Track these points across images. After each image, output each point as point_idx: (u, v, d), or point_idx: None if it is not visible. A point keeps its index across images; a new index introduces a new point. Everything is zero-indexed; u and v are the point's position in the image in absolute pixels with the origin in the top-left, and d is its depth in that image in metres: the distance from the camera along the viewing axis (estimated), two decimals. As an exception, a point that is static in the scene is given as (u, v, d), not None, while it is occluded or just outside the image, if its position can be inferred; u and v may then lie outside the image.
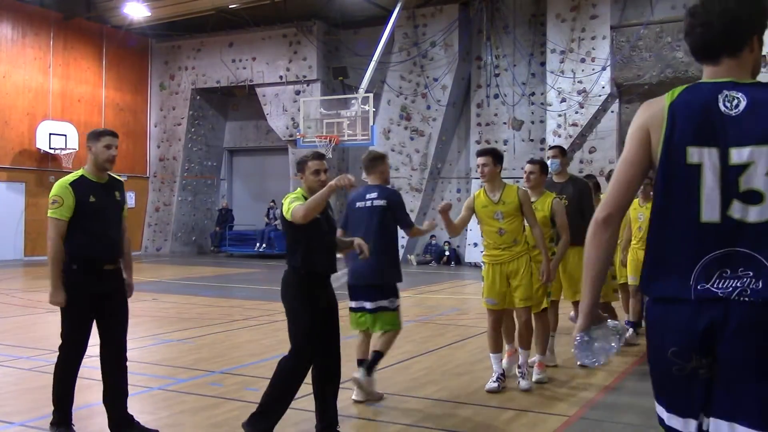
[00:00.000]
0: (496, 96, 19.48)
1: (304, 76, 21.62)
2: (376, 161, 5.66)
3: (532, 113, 19.13)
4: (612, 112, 17.92)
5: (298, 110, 20.16)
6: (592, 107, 17.80)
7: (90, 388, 5.18)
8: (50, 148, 20.21)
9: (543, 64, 18.73)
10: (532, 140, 19.04)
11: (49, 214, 4.36)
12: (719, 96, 2.06)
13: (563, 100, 18.09)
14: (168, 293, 12.17)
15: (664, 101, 2.12)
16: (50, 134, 20.23)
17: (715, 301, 2.03)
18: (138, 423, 4.52)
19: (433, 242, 20.62)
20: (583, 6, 17.98)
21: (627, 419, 5.09)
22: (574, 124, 17.97)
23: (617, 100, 17.94)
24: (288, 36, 21.86)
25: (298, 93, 21.58)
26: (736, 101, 2.05)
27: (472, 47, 20.07)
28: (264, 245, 21.87)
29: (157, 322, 9.09)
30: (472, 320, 9.64)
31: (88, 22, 21.80)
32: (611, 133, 17.86)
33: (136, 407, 4.75)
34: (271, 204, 22.40)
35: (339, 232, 5.14)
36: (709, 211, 2.04)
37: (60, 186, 4.38)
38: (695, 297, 2.06)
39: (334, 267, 4.57)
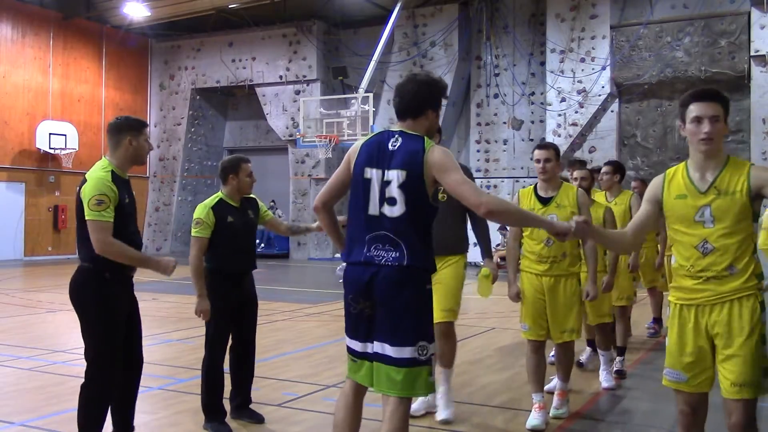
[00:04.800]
0: (495, 96, 19.49)
1: (304, 76, 21.62)
2: None
3: (532, 113, 19.14)
4: (612, 111, 17.93)
5: (298, 110, 20.16)
6: (592, 107, 17.81)
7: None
8: (50, 148, 20.22)
9: (543, 63, 18.74)
10: (531, 140, 19.04)
11: (91, 217, 3.76)
12: (392, 139, 3.25)
13: (563, 100, 18.10)
14: (168, 293, 12.17)
15: (360, 142, 3.36)
16: (50, 134, 20.23)
17: (372, 265, 3.17)
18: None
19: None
20: (582, 6, 17.98)
21: (626, 419, 5.09)
22: (574, 124, 17.98)
23: (617, 100, 17.95)
24: (288, 36, 21.86)
25: (298, 93, 21.59)
26: (398, 142, 3.24)
27: (472, 47, 20.08)
28: (263, 244, 21.87)
29: (157, 322, 9.08)
30: (472, 320, 9.64)
31: (87, 22, 21.81)
32: (611, 132, 17.87)
33: (136, 407, 4.74)
34: (272, 203, 22.40)
35: None
36: (372, 208, 3.20)
37: (102, 182, 3.80)
38: (363, 260, 3.19)
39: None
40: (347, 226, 3.35)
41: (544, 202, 4.84)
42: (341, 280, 3.45)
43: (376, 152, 3.25)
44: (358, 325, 3.24)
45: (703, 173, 3.16)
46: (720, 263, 3.07)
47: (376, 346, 3.18)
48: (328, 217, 3.53)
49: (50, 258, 20.44)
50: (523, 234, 4.98)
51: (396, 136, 3.25)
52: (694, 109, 3.14)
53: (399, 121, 3.33)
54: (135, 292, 4.14)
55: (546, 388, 5.21)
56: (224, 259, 4.72)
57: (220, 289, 4.68)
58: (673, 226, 3.23)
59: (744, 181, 3.08)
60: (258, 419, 4.86)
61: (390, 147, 3.22)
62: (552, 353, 6.08)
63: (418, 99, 3.28)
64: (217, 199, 4.78)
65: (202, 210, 4.71)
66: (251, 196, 4.97)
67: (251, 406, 4.95)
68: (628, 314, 6.68)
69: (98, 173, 3.83)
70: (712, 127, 3.10)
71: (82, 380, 3.88)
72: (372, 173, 3.21)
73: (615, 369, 6.24)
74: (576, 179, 5.96)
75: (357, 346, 3.26)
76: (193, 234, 4.70)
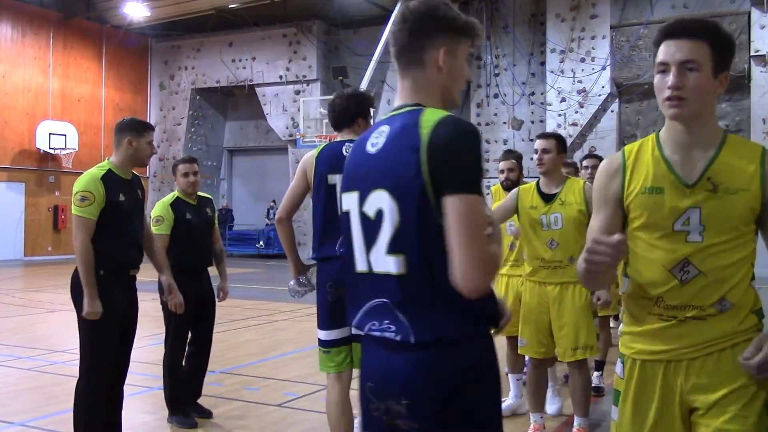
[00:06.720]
0: (495, 96, 19.49)
1: (304, 76, 21.62)
2: None
3: (532, 113, 19.14)
4: (612, 111, 17.93)
5: (298, 110, 20.16)
6: (592, 107, 17.81)
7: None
8: (50, 148, 20.22)
9: (543, 63, 18.74)
10: (531, 140, 19.03)
11: (74, 212, 3.79)
12: (343, 147, 3.62)
13: (563, 100, 18.10)
14: (168, 293, 12.16)
15: (314, 153, 3.70)
16: (50, 134, 20.24)
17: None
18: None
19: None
20: (582, 6, 17.99)
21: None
22: (574, 124, 17.98)
23: (617, 100, 17.95)
24: (288, 36, 21.86)
25: (297, 93, 21.59)
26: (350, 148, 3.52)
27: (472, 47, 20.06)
28: (263, 244, 21.88)
29: (157, 322, 9.03)
30: (471, 320, 9.63)
31: (88, 22, 21.81)
32: (611, 132, 17.87)
33: (136, 407, 4.75)
34: (272, 204, 22.41)
35: None
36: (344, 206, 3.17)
37: (90, 180, 3.82)
38: (338, 255, 3.35)
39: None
40: (314, 228, 3.70)
41: (548, 199, 4.22)
42: (293, 296, 3.96)
43: (335, 161, 3.57)
44: (336, 312, 3.52)
45: (688, 156, 1.99)
46: (707, 296, 1.95)
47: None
48: (290, 229, 3.87)
49: (50, 258, 20.44)
50: (524, 239, 4.43)
51: (347, 144, 3.63)
52: (660, 53, 2.02)
53: (337, 132, 3.80)
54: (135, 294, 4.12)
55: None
56: (182, 256, 4.76)
57: (180, 285, 4.59)
58: (636, 234, 2.05)
59: (756, 172, 1.94)
60: (206, 414, 4.89)
61: (345, 154, 3.56)
62: (567, 372, 5.25)
63: (348, 111, 3.74)
64: (174, 197, 4.91)
65: (161, 207, 4.82)
66: (208, 196, 5.18)
67: (211, 404, 4.98)
68: (608, 325, 6.12)
69: (91, 171, 3.90)
70: (681, 77, 1.93)
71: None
72: (335, 179, 3.54)
73: (593, 385, 5.57)
74: (503, 171, 5.34)
75: (332, 335, 3.61)
76: (154, 232, 4.63)
